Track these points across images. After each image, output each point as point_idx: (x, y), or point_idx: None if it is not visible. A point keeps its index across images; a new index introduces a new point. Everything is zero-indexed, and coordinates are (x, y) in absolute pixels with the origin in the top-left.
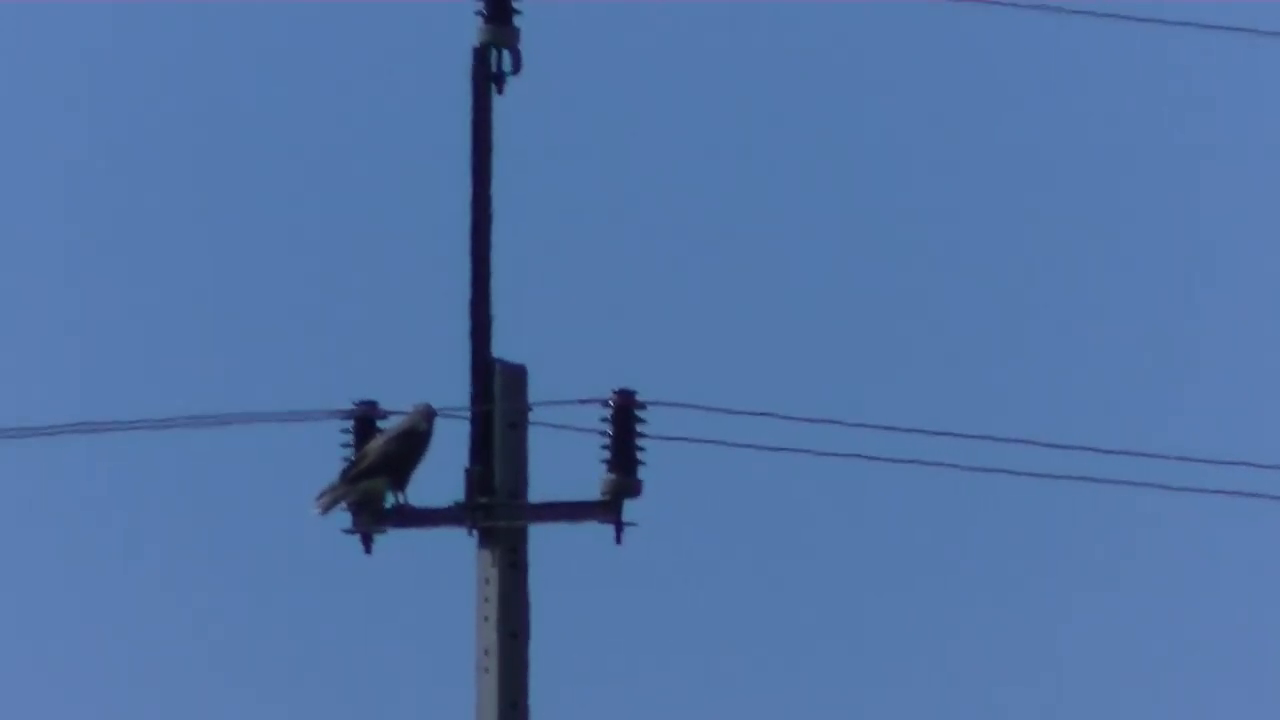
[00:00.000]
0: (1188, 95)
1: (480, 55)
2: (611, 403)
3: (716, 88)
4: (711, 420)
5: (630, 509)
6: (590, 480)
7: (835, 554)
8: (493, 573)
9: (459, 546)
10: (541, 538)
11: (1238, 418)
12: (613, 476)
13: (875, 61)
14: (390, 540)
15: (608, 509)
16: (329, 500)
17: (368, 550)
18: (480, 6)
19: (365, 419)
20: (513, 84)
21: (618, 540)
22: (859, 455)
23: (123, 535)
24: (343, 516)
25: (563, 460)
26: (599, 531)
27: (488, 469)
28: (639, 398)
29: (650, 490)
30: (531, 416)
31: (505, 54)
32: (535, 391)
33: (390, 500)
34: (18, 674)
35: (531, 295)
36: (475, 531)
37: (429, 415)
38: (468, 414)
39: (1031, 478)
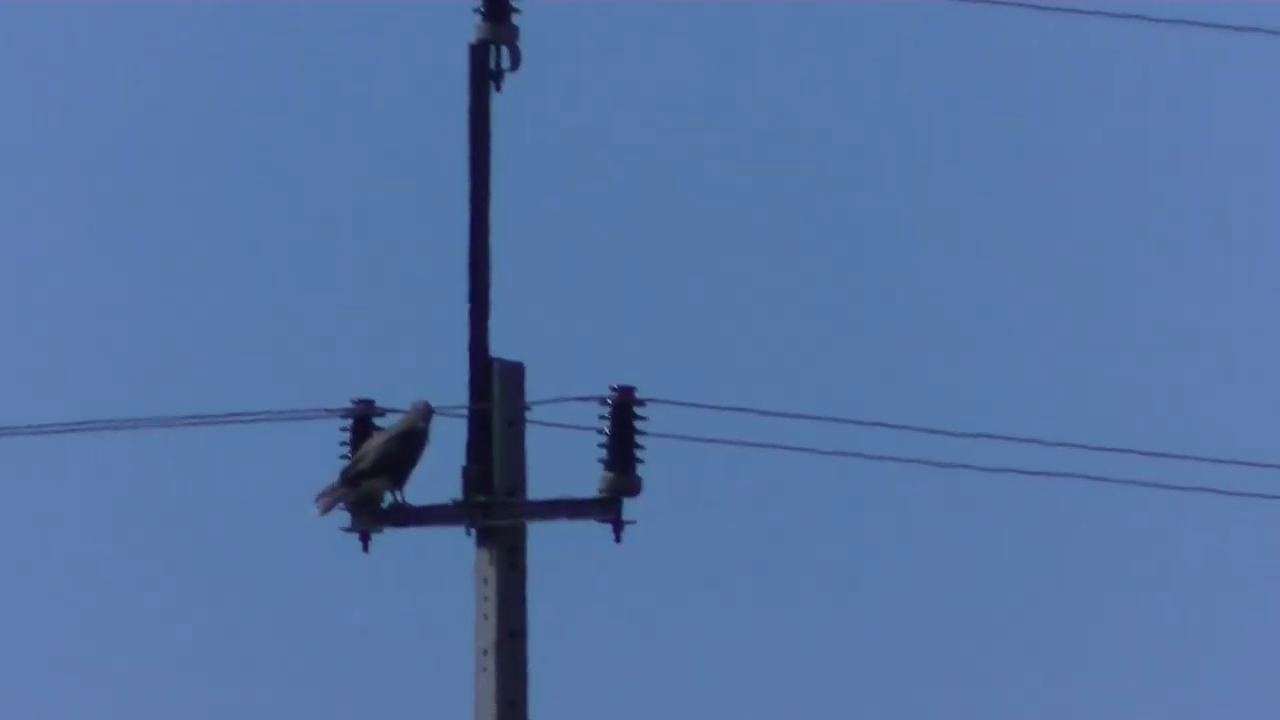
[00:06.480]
0: (1185, 94)
1: (478, 52)
2: (610, 400)
3: (716, 85)
4: (711, 418)
5: (629, 507)
6: (589, 478)
7: (835, 552)
8: (491, 571)
9: (457, 545)
10: (540, 536)
11: (1233, 417)
12: (611, 474)
13: (875, 61)
14: (388, 539)
15: (607, 507)
16: (328, 501)
17: (366, 549)
18: (478, 4)
19: (363, 417)
20: (511, 81)
21: (617, 538)
22: (859, 454)
23: (122, 535)
24: (341, 515)
25: (561, 458)
26: (598, 530)
27: (486, 467)
28: (638, 395)
29: (649, 488)
30: (530, 414)
31: (503, 51)
32: (533, 389)
33: (389, 499)
34: (17, 674)
35: (529, 293)
36: (473, 530)
37: (427, 414)
38: (466, 412)
39: (1034, 477)
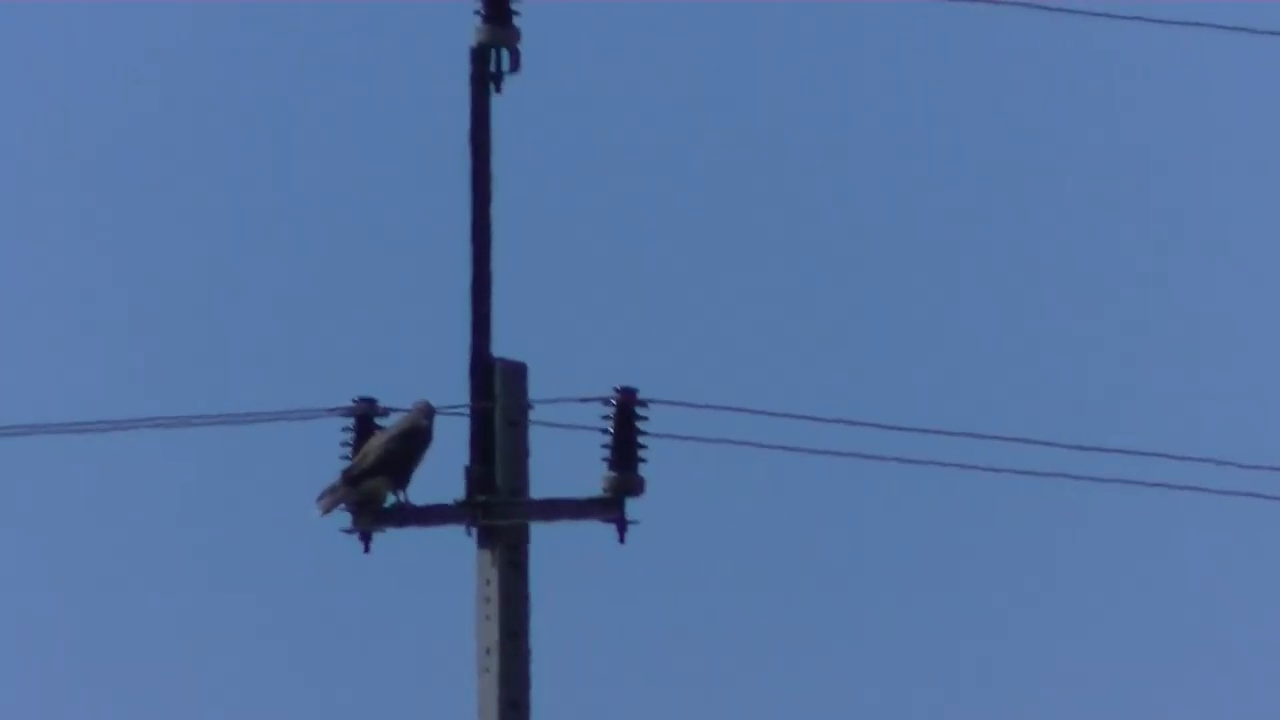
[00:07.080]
0: (1185, 94)
1: (479, 55)
2: (613, 400)
3: (716, 87)
4: (713, 418)
5: (632, 507)
6: (591, 478)
7: (836, 552)
8: (493, 572)
9: (459, 545)
10: (542, 536)
11: (1232, 417)
12: (614, 474)
13: (875, 61)
14: (390, 539)
15: (609, 507)
16: (330, 501)
17: (367, 549)
18: (479, 6)
19: (365, 417)
20: (511, 83)
21: (620, 539)
22: (859, 454)
23: (123, 535)
24: (342, 515)
25: (564, 458)
26: (600, 530)
27: (488, 467)
28: (640, 395)
29: (652, 488)
30: (532, 414)
31: (504, 53)
32: (536, 389)
33: (391, 499)
34: (17, 674)
35: (532, 293)
36: (475, 530)
37: (429, 413)
38: (468, 412)
39: (1035, 477)
